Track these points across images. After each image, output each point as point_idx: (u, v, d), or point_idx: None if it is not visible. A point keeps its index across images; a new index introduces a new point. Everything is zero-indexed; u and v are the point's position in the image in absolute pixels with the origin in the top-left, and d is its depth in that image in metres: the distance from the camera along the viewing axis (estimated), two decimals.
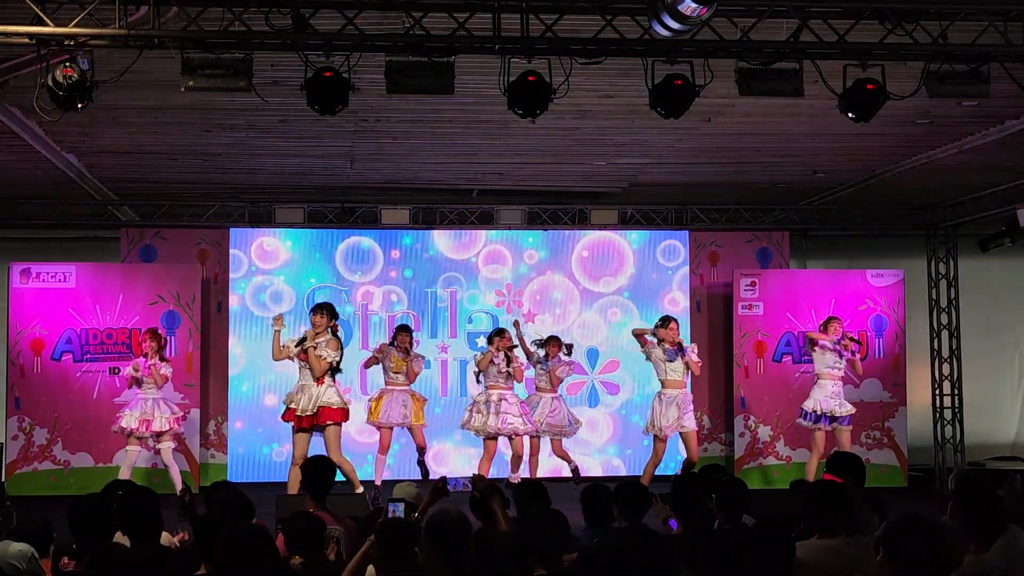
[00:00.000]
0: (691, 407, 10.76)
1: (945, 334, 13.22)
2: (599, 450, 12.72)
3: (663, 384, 10.68)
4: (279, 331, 9.84)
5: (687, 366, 10.62)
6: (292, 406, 9.69)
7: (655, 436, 10.69)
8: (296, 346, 9.73)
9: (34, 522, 5.84)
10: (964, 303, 13.20)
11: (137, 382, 10.41)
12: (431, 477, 10.13)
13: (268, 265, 12.48)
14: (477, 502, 5.44)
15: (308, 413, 9.55)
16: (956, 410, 13.15)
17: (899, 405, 12.56)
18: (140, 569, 4.26)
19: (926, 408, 13.18)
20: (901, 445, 12.49)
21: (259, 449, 12.26)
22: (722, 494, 5.52)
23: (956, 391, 13.16)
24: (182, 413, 10.85)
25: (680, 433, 10.66)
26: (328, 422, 9.58)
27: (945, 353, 13.21)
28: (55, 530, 5.88)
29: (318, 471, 6.17)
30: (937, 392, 13.23)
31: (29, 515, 6.08)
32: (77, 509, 5.14)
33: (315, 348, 9.65)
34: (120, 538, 5.19)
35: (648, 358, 10.80)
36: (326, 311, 9.79)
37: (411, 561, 4.38)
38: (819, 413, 10.80)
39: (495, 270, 12.71)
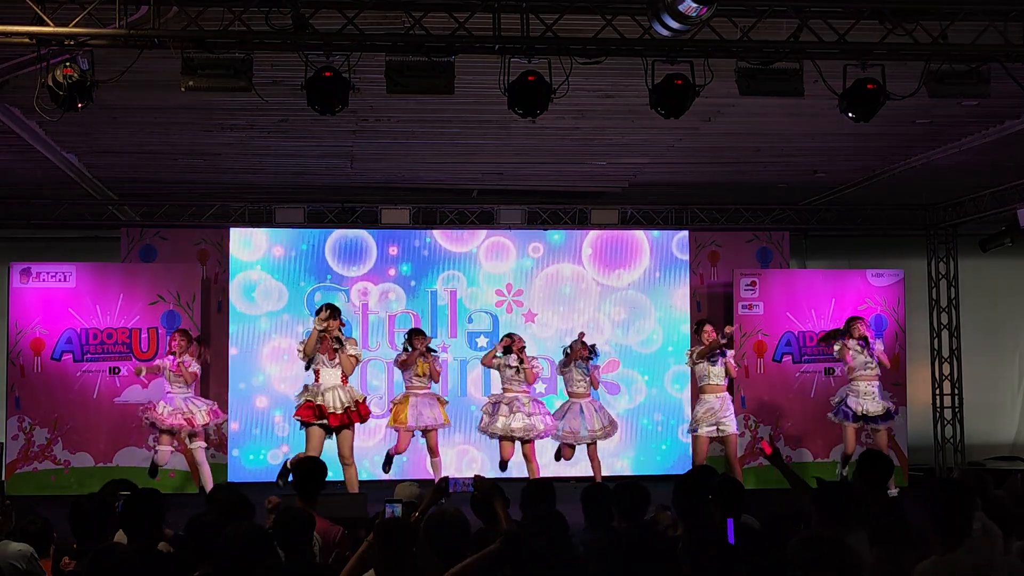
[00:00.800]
0: (732, 409, 10.83)
1: (945, 334, 13.23)
2: (611, 453, 12.66)
3: (703, 390, 10.75)
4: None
5: (726, 369, 10.69)
6: (320, 403, 9.63)
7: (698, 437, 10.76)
8: (336, 344, 9.79)
9: (34, 522, 5.84)
10: (964, 303, 13.21)
11: (170, 377, 10.50)
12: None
13: (253, 259, 12.43)
14: (478, 502, 5.44)
15: (340, 411, 9.63)
16: (956, 410, 13.15)
17: (899, 405, 12.54)
18: (138, 569, 4.27)
19: (926, 408, 13.19)
20: (901, 445, 12.48)
21: (255, 451, 12.23)
22: (719, 494, 5.52)
23: (956, 391, 13.16)
24: (215, 405, 10.94)
25: (721, 438, 10.72)
26: (355, 421, 9.77)
27: (945, 353, 13.21)
28: (55, 530, 5.89)
29: (308, 471, 6.13)
30: (937, 392, 13.24)
31: (29, 515, 6.07)
32: (78, 509, 5.14)
33: (344, 348, 9.78)
34: (120, 537, 5.19)
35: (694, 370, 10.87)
36: (337, 312, 9.89)
37: (409, 561, 4.37)
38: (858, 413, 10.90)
39: (496, 266, 12.69)
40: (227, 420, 11.86)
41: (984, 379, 13.62)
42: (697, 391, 11.07)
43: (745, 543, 4.45)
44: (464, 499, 5.46)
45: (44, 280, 11.75)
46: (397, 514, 5.40)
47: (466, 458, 12.17)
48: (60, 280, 11.77)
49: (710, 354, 10.61)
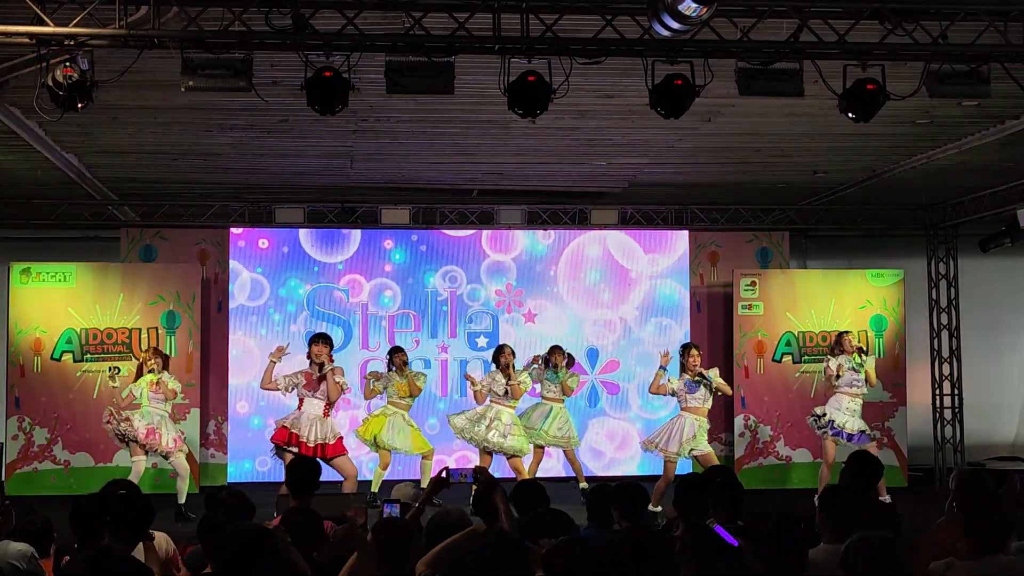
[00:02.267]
0: (706, 432, 10.34)
1: (945, 334, 13.22)
2: (623, 458, 12.67)
3: (684, 409, 10.34)
4: (275, 363, 9.73)
5: (712, 392, 10.25)
6: (295, 432, 9.54)
7: (667, 459, 10.24)
8: (318, 372, 9.65)
9: (34, 522, 5.84)
10: (964, 303, 13.20)
11: (146, 395, 10.22)
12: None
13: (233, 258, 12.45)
14: (480, 500, 5.44)
15: (313, 444, 9.47)
16: (956, 410, 13.15)
17: (899, 405, 12.56)
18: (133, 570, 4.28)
19: (926, 408, 13.18)
20: (901, 445, 12.49)
21: (249, 455, 12.22)
22: (717, 494, 5.52)
23: (956, 391, 13.16)
24: (182, 434, 10.62)
25: (696, 457, 10.25)
26: (339, 454, 9.62)
27: (945, 353, 13.21)
28: (55, 530, 5.89)
29: (302, 471, 6.11)
30: (937, 392, 13.23)
31: (29, 515, 6.08)
32: (78, 509, 5.14)
33: (332, 374, 9.63)
34: None
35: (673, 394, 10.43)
36: (326, 341, 9.78)
37: (407, 561, 4.36)
38: (832, 423, 10.60)
39: (497, 264, 12.67)
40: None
41: (984, 379, 13.62)
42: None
43: (746, 543, 4.44)
44: (464, 490, 5.44)
45: (44, 280, 11.76)
46: (395, 514, 5.39)
47: (469, 466, 12.13)
48: (60, 280, 11.77)
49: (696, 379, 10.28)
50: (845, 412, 10.60)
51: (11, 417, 11.65)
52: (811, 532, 4.83)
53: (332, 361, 9.80)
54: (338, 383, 9.66)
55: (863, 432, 10.62)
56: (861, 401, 10.71)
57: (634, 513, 5.42)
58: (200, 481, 11.69)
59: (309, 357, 9.76)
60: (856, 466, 6.09)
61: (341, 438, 9.79)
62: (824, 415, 10.69)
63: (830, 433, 10.63)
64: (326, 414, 9.66)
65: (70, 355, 11.72)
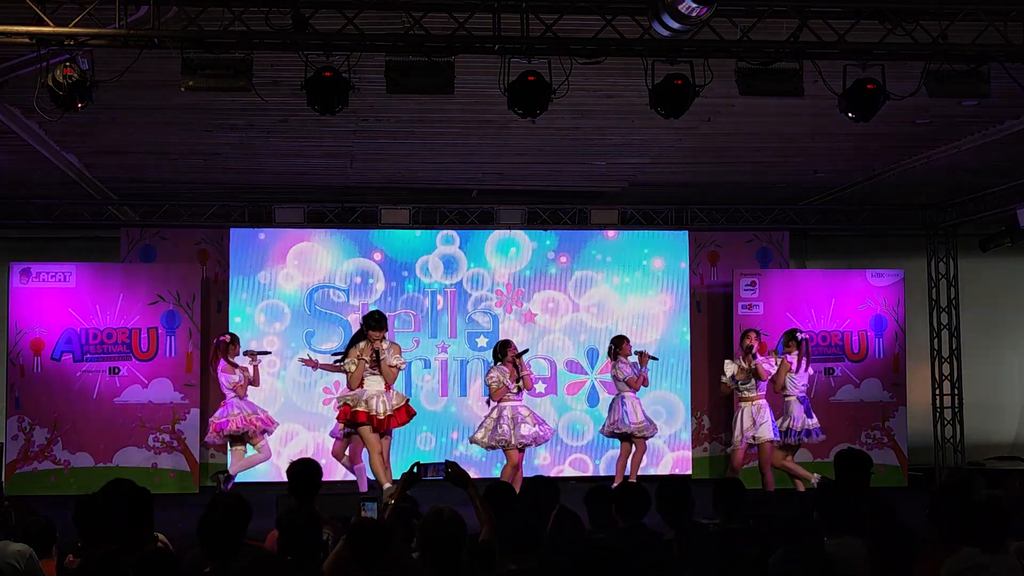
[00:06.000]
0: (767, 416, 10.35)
1: (945, 334, 13.23)
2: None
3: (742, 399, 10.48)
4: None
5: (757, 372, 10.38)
6: (361, 409, 9.33)
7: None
8: (370, 360, 9.44)
9: (36, 523, 5.83)
10: (964, 303, 13.20)
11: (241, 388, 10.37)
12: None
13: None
14: (493, 490, 5.45)
15: (382, 417, 9.35)
16: (956, 410, 13.15)
17: (899, 405, 12.56)
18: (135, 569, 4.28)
19: (926, 408, 13.18)
20: (901, 445, 12.49)
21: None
22: (720, 495, 5.52)
23: (956, 391, 13.16)
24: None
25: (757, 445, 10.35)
26: (393, 427, 9.51)
27: (945, 353, 13.21)
28: (56, 530, 5.88)
29: (304, 472, 6.08)
30: (937, 392, 13.23)
31: (31, 515, 6.07)
32: (82, 507, 5.13)
33: (384, 360, 9.42)
34: None
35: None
36: (381, 323, 9.50)
37: (383, 560, 4.30)
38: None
39: (497, 264, 12.65)
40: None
41: (984, 379, 13.62)
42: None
43: (740, 545, 4.46)
44: (444, 488, 5.38)
45: (44, 280, 11.75)
46: (373, 514, 5.35)
47: (466, 458, 12.15)
48: (60, 280, 11.77)
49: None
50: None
51: (11, 417, 11.64)
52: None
53: (384, 340, 9.51)
54: (392, 366, 9.44)
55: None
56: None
57: (634, 513, 5.42)
58: (200, 481, 11.70)
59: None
60: (842, 465, 6.04)
61: (408, 401, 9.65)
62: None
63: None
64: (388, 388, 9.49)
65: (70, 355, 11.72)
